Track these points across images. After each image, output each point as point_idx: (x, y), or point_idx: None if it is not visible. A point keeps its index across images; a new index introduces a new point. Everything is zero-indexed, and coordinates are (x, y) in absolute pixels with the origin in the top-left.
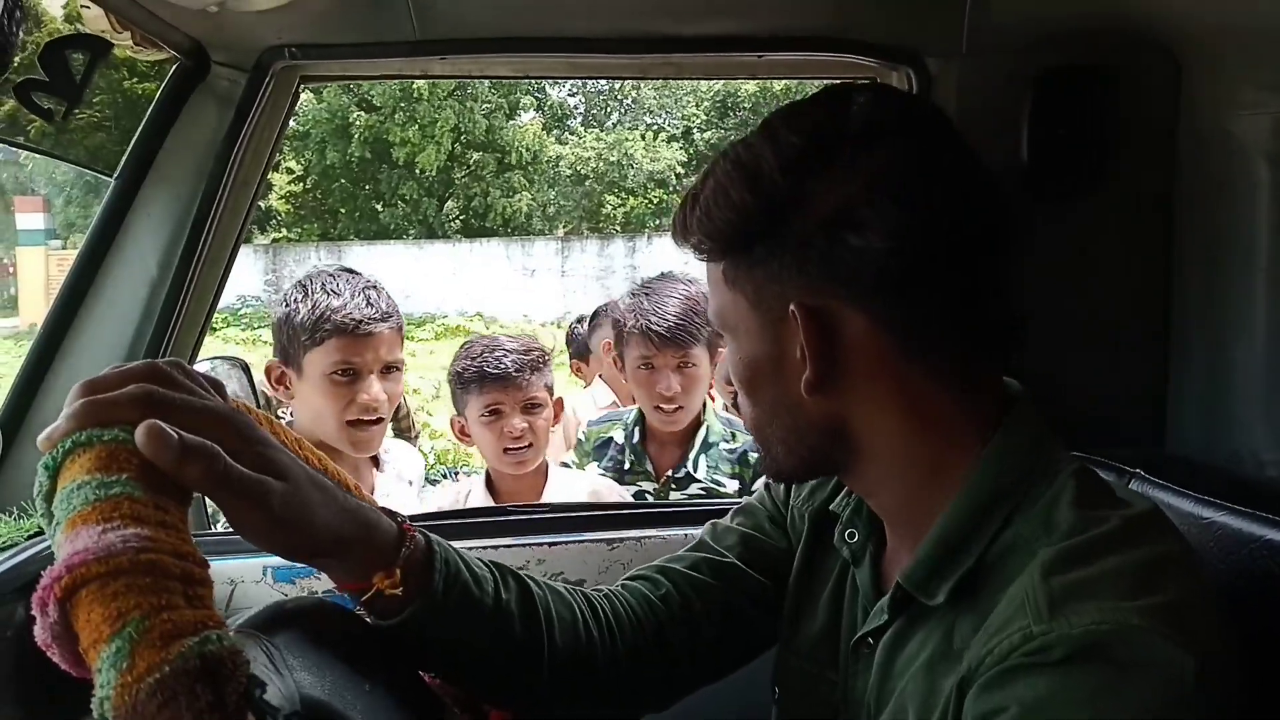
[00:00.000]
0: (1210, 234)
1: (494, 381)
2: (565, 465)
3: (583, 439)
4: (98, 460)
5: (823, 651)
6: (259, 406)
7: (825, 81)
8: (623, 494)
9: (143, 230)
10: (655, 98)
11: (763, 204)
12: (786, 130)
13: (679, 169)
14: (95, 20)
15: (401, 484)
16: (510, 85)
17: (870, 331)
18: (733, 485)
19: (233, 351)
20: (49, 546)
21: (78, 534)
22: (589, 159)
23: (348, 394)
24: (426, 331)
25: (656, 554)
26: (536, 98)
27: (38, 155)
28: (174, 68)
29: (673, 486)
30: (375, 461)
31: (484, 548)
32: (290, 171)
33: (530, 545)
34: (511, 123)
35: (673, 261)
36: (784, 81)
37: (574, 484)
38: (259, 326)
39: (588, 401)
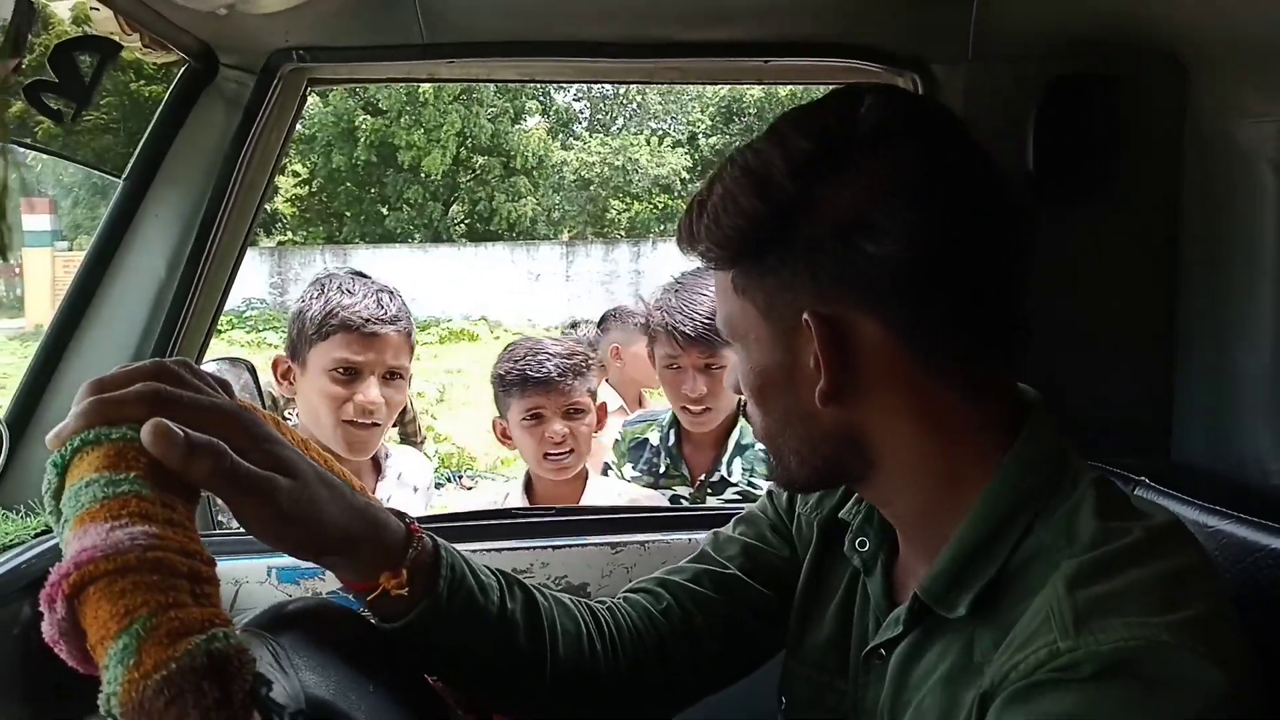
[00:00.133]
0: (1215, 241)
1: (536, 385)
2: (607, 465)
3: (619, 439)
4: (106, 458)
5: (831, 660)
6: (265, 408)
7: (831, 87)
8: (663, 504)
9: (150, 231)
10: (660, 103)
11: (773, 210)
12: (795, 134)
13: (684, 174)
14: (104, 22)
15: (404, 490)
16: (516, 90)
17: (885, 338)
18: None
19: (238, 354)
20: (56, 544)
21: (86, 531)
22: (594, 164)
23: (345, 393)
24: (431, 335)
25: (660, 558)
26: (542, 102)
27: (45, 156)
28: (182, 70)
29: (708, 491)
30: (376, 467)
31: (488, 550)
32: (296, 175)
33: (534, 548)
34: (517, 127)
35: (677, 266)
36: (789, 87)
37: (613, 493)
38: (264, 329)
39: None
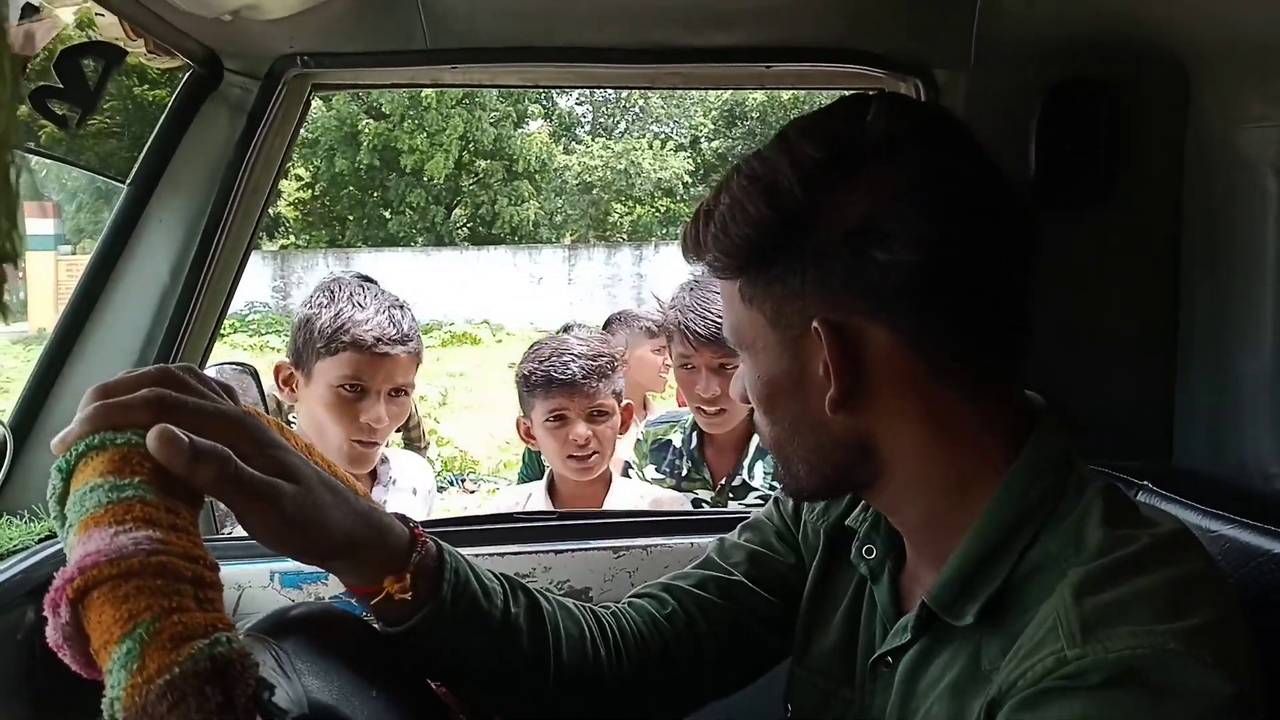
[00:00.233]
0: (1217, 245)
1: (560, 387)
2: (629, 466)
3: (641, 440)
4: (110, 463)
5: (838, 668)
6: (269, 413)
7: (833, 92)
8: (685, 505)
9: (155, 236)
10: (663, 106)
11: (782, 218)
12: (804, 142)
13: (686, 178)
14: (109, 28)
15: (401, 494)
16: (518, 94)
17: (894, 345)
18: None
19: (240, 357)
20: (60, 549)
21: (90, 536)
22: (596, 167)
23: (352, 411)
24: (433, 338)
25: (662, 562)
26: (544, 106)
27: (49, 161)
28: (187, 75)
29: (730, 495)
30: (371, 473)
31: (491, 554)
32: (299, 178)
33: (537, 552)
34: (519, 131)
35: (679, 270)
36: (792, 91)
37: (636, 495)
38: (267, 333)
39: None
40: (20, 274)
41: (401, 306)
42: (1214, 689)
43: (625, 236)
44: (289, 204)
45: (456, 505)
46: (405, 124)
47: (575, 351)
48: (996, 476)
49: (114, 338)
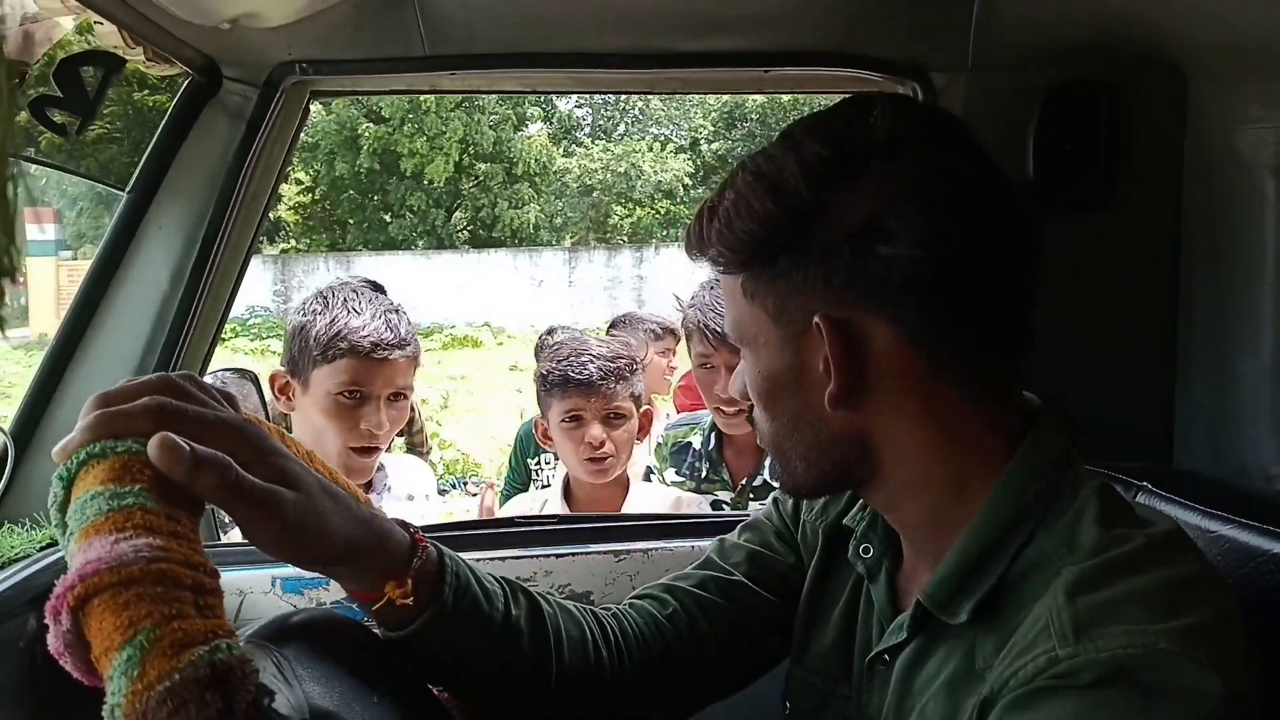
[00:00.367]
0: (1216, 247)
1: (577, 388)
2: (649, 470)
3: (661, 442)
4: (111, 471)
5: (835, 666)
6: (269, 419)
7: (831, 96)
8: (705, 508)
9: (155, 243)
10: (663, 109)
11: (786, 215)
12: (810, 141)
13: (686, 180)
14: (108, 36)
15: (396, 502)
16: (518, 97)
17: (895, 343)
18: None
19: (241, 361)
20: (61, 557)
21: (91, 544)
22: (596, 170)
23: (352, 418)
24: (434, 341)
25: (663, 566)
26: (544, 109)
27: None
28: (186, 83)
29: (750, 496)
30: (366, 480)
31: (492, 559)
32: (299, 182)
33: (538, 557)
34: (519, 134)
35: (680, 272)
36: (792, 94)
37: (654, 499)
38: (267, 337)
39: None
40: (20, 280)
41: (397, 310)
42: (1207, 689)
43: (625, 239)
44: (289, 208)
45: (459, 508)
46: (405, 128)
47: (594, 352)
48: (994, 475)
49: (114, 344)
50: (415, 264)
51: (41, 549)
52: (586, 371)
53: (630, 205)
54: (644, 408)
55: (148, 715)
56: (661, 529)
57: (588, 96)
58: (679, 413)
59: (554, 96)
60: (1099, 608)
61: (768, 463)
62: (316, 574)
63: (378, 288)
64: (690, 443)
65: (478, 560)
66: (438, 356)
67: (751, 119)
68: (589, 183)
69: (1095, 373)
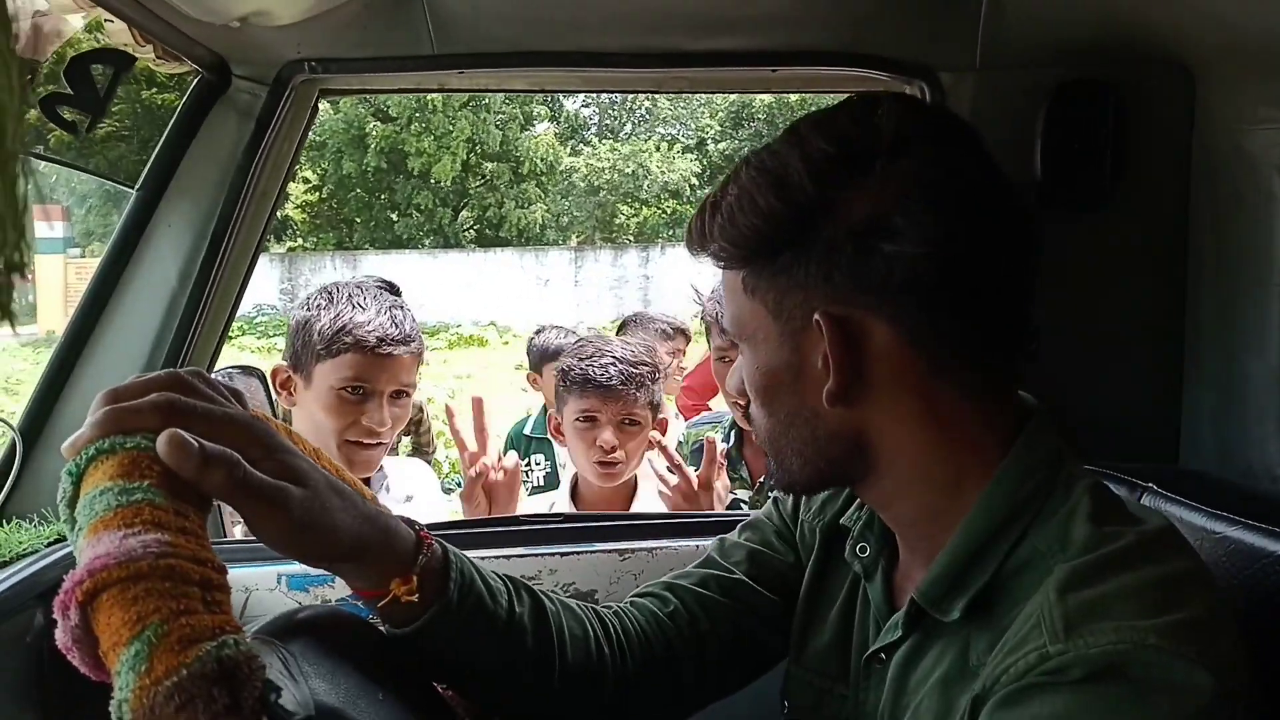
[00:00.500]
0: (1224, 248)
1: (595, 389)
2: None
3: (682, 441)
4: (120, 467)
5: (833, 665)
6: (276, 416)
7: (839, 96)
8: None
9: (163, 240)
10: (670, 109)
11: (791, 211)
12: (816, 138)
13: (693, 180)
14: (118, 34)
15: (393, 504)
16: (525, 96)
17: (895, 341)
18: None
19: (248, 359)
20: (69, 552)
21: (99, 539)
22: (603, 169)
23: (354, 413)
24: (440, 340)
25: (668, 565)
26: (550, 109)
27: (58, 165)
28: (195, 81)
29: (769, 494)
30: (364, 480)
31: (496, 557)
32: (306, 181)
33: (542, 555)
34: (526, 133)
35: (686, 272)
36: (799, 93)
37: (661, 504)
38: (274, 334)
39: None
40: (29, 277)
41: (402, 307)
42: (1197, 684)
43: (631, 238)
44: (296, 206)
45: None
46: (412, 127)
47: (617, 355)
48: (988, 474)
49: (123, 341)
50: (422, 263)
51: (50, 544)
52: (607, 374)
53: (637, 205)
54: (660, 417)
55: (155, 710)
56: (666, 528)
57: (594, 96)
58: (679, 412)
59: (561, 96)
60: (1090, 604)
61: None
62: (322, 571)
63: (393, 289)
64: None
65: (482, 558)
66: (444, 355)
67: (759, 119)
68: (595, 182)
69: (1102, 373)
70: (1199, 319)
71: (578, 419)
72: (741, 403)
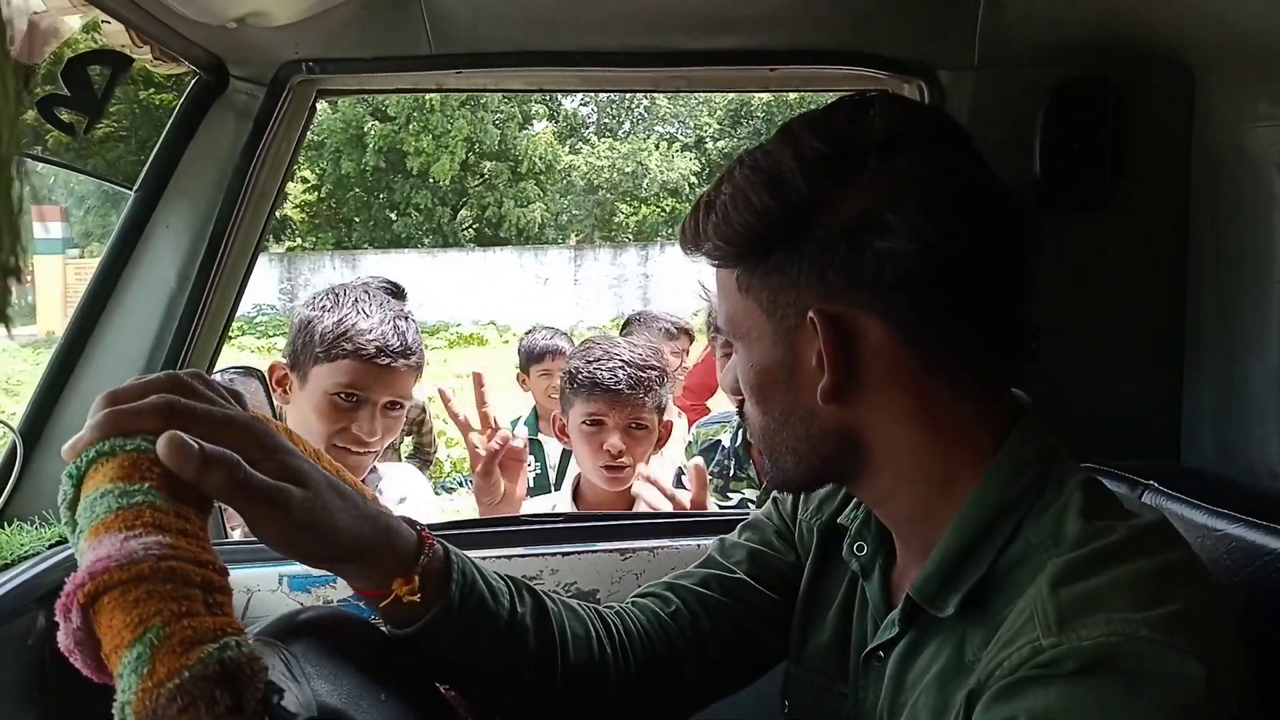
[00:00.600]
0: (1224, 247)
1: (603, 393)
2: (682, 473)
3: (692, 440)
4: (120, 469)
5: (832, 664)
6: (275, 417)
7: (837, 94)
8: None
9: (162, 241)
10: (669, 107)
11: (785, 209)
12: (809, 137)
13: (692, 178)
14: (115, 35)
15: (389, 504)
16: (523, 95)
17: (888, 339)
18: None
19: (248, 359)
20: (70, 555)
21: (101, 541)
22: (602, 168)
23: (344, 420)
24: (440, 340)
25: (669, 564)
26: (549, 107)
27: (57, 167)
28: (193, 82)
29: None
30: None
31: (498, 557)
32: (305, 181)
33: (544, 555)
34: (524, 132)
35: (685, 271)
36: (798, 92)
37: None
38: (274, 335)
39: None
40: (27, 280)
41: (406, 318)
42: (1190, 675)
43: (631, 237)
44: (295, 206)
45: (467, 505)
46: (411, 126)
47: (625, 358)
48: (981, 471)
49: (122, 342)
50: (421, 262)
51: (50, 546)
52: (615, 378)
53: (636, 203)
54: (666, 419)
55: (158, 712)
56: (667, 527)
57: (593, 95)
58: (680, 412)
59: (559, 95)
60: (1082, 598)
61: None
62: (324, 572)
63: (399, 291)
64: (720, 440)
65: (484, 558)
66: (444, 355)
67: (757, 117)
68: (595, 181)
69: (1102, 372)
70: (1199, 318)
71: (584, 422)
72: (736, 400)
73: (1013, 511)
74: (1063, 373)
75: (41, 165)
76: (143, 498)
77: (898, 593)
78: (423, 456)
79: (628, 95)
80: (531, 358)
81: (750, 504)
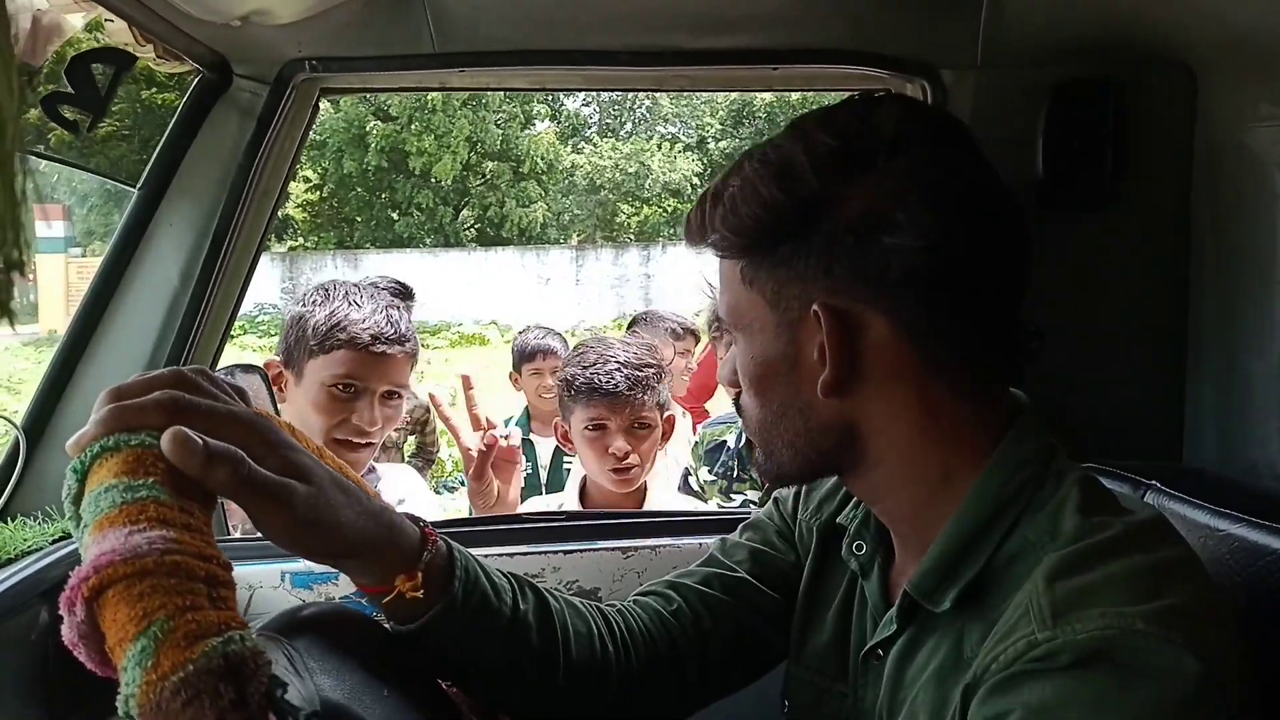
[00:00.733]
0: (1226, 245)
1: (602, 397)
2: (689, 472)
3: (697, 441)
4: (125, 464)
5: (831, 664)
6: (277, 413)
7: (840, 94)
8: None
9: (165, 240)
10: (671, 107)
11: (793, 203)
12: (820, 132)
13: (694, 179)
14: (118, 33)
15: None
16: (525, 95)
17: (891, 335)
18: None
19: (250, 359)
20: (73, 550)
21: (105, 536)
22: (605, 168)
23: (343, 411)
24: (442, 339)
25: (671, 562)
26: (551, 107)
27: (59, 164)
28: (196, 80)
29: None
30: None
31: (500, 555)
32: (307, 180)
33: (546, 553)
34: (526, 133)
35: (687, 270)
36: (801, 92)
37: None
38: (275, 334)
39: None
40: (30, 276)
41: (398, 307)
42: (1184, 669)
43: (633, 237)
44: (297, 206)
45: (468, 505)
46: (413, 126)
47: (621, 360)
48: (978, 469)
49: (125, 340)
50: (423, 262)
51: (53, 542)
52: (613, 381)
53: (638, 204)
54: (668, 414)
55: (162, 705)
56: (669, 526)
57: (595, 95)
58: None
59: (561, 95)
60: (1077, 592)
61: None
62: (326, 569)
63: (406, 292)
64: (725, 441)
65: (486, 556)
66: (445, 354)
67: (759, 118)
68: (597, 181)
69: (1104, 371)
70: (1201, 317)
71: (587, 427)
72: (732, 392)
73: (1010, 507)
74: (1064, 373)
75: (44, 163)
76: (147, 492)
77: (896, 591)
78: (426, 456)
79: (630, 95)
80: (523, 357)
81: (753, 505)
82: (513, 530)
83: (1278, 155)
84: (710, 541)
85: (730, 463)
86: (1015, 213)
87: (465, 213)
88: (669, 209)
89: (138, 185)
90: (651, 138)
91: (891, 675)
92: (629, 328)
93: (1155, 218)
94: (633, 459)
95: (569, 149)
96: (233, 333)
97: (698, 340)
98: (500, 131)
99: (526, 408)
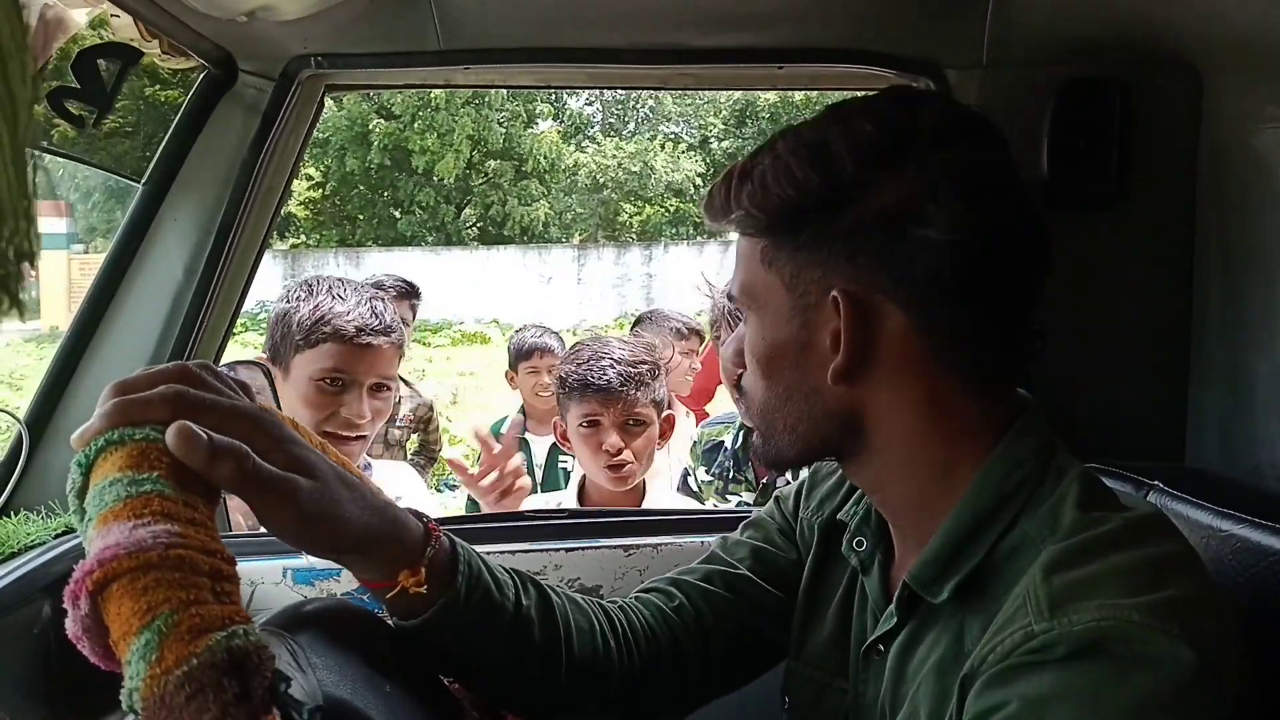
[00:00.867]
0: (1231, 245)
1: (595, 392)
2: (688, 472)
3: (696, 441)
4: (129, 458)
5: (832, 660)
6: (280, 409)
7: (844, 93)
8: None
9: (169, 236)
10: (674, 106)
11: (826, 186)
12: (862, 119)
13: (697, 179)
14: (124, 29)
15: None
16: (528, 94)
17: (906, 327)
18: None
19: (252, 356)
20: (76, 544)
21: (109, 530)
22: (608, 167)
23: (332, 404)
24: (443, 338)
25: (672, 561)
26: (554, 106)
27: (62, 160)
28: (201, 76)
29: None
30: None
31: (502, 552)
32: (310, 178)
33: (548, 550)
34: (529, 131)
35: (688, 270)
36: (805, 92)
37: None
38: None
39: None
40: (33, 273)
41: (382, 299)
42: (1180, 659)
43: (634, 236)
44: (300, 203)
45: (466, 503)
46: (416, 124)
47: (615, 356)
48: (979, 464)
49: (128, 336)
50: (425, 260)
51: (56, 536)
52: (605, 377)
53: (640, 203)
54: (666, 412)
55: (166, 699)
56: (671, 524)
57: (598, 94)
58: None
59: (564, 94)
60: (1075, 584)
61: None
62: (328, 565)
63: (412, 290)
64: (722, 441)
65: (488, 553)
66: (447, 353)
67: (762, 118)
68: (599, 180)
69: (1108, 371)
70: (1205, 318)
71: (581, 424)
72: (735, 373)
73: (1011, 501)
74: (1068, 372)
75: (48, 159)
76: (151, 486)
77: (896, 587)
78: (428, 454)
79: (633, 95)
80: (520, 355)
81: (748, 506)
82: (515, 528)
83: None
84: (712, 540)
85: (726, 463)
86: (1037, 214)
87: (467, 211)
88: (671, 209)
89: (142, 181)
90: (654, 137)
91: (893, 670)
92: (634, 327)
93: (1160, 218)
94: (626, 455)
95: (572, 148)
96: (234, 330)
97: (702, 340)
98: (503, 130)
99: (522, 406)
